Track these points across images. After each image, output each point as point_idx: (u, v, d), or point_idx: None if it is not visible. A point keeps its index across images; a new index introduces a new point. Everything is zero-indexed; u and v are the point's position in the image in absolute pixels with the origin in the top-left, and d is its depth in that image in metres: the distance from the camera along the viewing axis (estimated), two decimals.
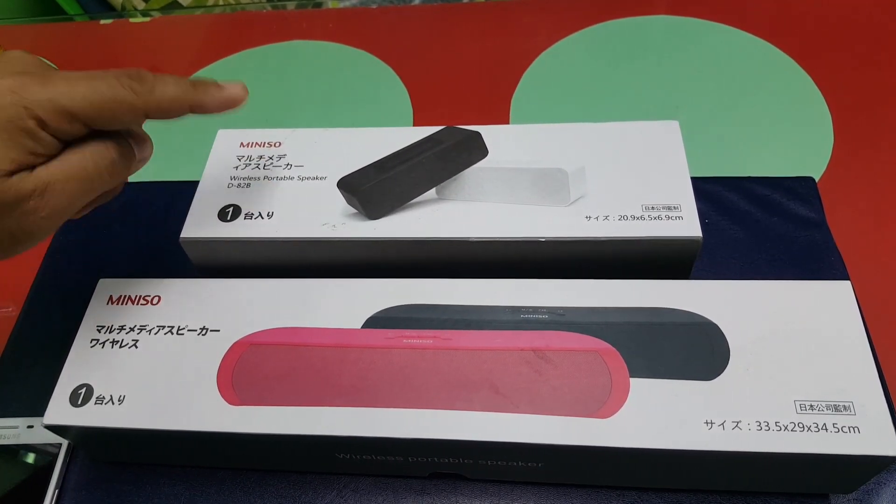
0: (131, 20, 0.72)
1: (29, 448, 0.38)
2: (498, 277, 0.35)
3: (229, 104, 0.31)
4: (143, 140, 0.31)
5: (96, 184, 0.29)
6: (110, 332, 0.34)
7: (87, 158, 0.28)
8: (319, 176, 0.39)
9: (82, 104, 0.27)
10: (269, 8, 0.73)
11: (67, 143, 0.28)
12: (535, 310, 0.33)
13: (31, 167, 0.27)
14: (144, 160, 0.31)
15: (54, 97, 0.26)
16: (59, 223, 0.29)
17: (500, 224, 0.36)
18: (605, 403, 0.30)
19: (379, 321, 0.34)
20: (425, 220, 0.37)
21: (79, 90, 0.27)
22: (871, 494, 0.34)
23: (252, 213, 0.38)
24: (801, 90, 0.55)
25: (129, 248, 0.48)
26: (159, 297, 0.35)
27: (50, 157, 0.27)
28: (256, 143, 0.42)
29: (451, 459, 0.33)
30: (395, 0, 0.73)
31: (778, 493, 0.34)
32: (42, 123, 0.26)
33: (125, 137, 0.30)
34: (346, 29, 0.67)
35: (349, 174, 0.39)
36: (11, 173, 0.26)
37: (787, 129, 0.52)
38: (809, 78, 0.56)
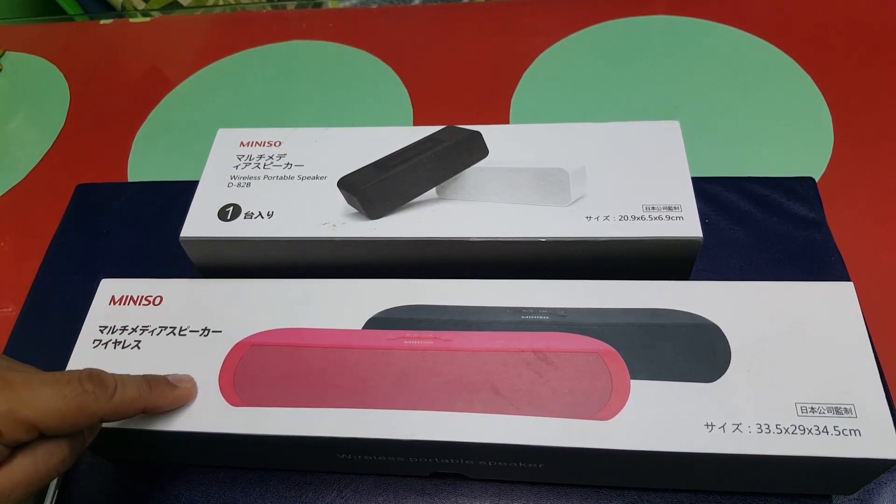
0: (131, 20, 0.72)
1: None
2: (498, 277, 0.35)
3: (180, 403, 0.31)
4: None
5: (46, 482, 0.26)
6: (112, 333, 0.34)
7: (38, 462, 0.25)
8: (319, 175, 0.39)
9: (45, 414, 0.25)
10: (269, 8, 0.73)
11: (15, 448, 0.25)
12: (536, 311, 0.33)
13: None
14: (94, 436, 0.29)
15: (15, 408, 0.24)
16: None
17: (500, 224, 0.36)
18: (606, 405, 0.30)
19: (380, 322, 0.34)
20: (425, 220, 0.37)
21: (41, 399, 0.25)
22: (874, 494, 0.34)
23: (252, 213, 0.38)
24: (801, 90, 0.55)
25: (128, 247, 0.48)
26: (161, 298, 0.35)
27: None
28: (256, 143, 0.41)
29: (451, 460, 0.33)
30: (395, 0, 0.73)
31: (779, 493, 0.34)
32: None
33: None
34: (346, 29, 0.67)
35: (349, 174, 0.39)
36: None
37: (787, 129, 0.52)
38: (809, 78, 0.56)
